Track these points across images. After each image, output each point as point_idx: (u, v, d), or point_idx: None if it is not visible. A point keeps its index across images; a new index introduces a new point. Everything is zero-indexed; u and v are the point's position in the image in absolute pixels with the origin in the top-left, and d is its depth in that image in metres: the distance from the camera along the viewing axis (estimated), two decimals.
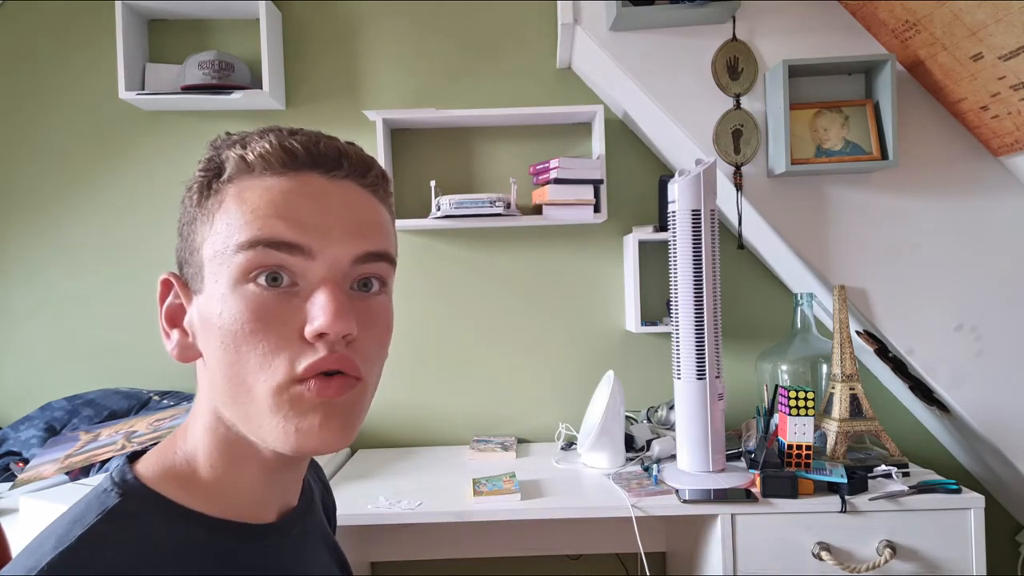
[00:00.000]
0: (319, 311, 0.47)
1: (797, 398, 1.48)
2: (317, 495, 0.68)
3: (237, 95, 1.81)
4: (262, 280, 0.48)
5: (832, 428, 1.59)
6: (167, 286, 0.54)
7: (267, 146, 0.50)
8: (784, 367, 1.73)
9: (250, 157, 0.50)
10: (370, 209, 0.53)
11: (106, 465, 1.47)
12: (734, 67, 1.66)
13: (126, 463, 0.53)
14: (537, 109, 1.86)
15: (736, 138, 1.66)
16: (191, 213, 0.52)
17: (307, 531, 0.61)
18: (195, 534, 0.50)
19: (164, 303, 0.53)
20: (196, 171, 0.52)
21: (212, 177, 0.51)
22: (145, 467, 0.53)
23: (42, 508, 1.23)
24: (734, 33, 1.66)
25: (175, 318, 0.53)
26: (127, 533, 0.47)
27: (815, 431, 1.54)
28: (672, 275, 1.53)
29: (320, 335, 0.48)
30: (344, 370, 0.49)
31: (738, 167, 1.67)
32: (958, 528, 1.39)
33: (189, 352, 0.53)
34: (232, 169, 0.50)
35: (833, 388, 1.62)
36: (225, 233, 0.49)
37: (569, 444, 1.89)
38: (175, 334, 0.53)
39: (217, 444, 0.52)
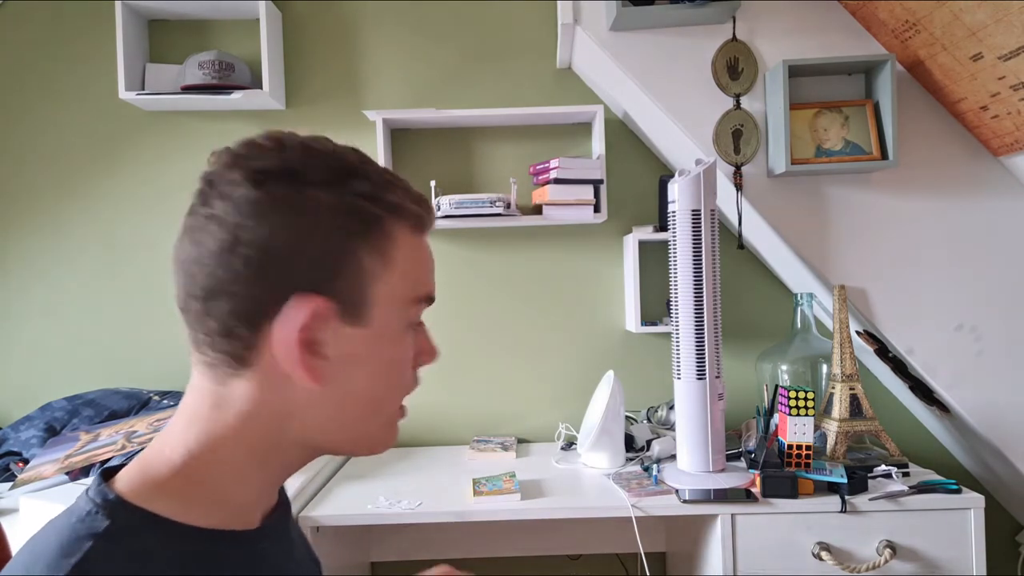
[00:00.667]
0: (432, 348, 0.61)
1: (797, 398, 1.48)
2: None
3: (237, 95, 1.81)
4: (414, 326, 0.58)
5: (832, 428, 1.59)
6: (320, 311, 0.50)
7: (424, 211, 0.56)
8: (784, 367, 1.73)
9: (419, 216, 0.56)
10: None
11: (106, 465, 1.47)
12: (734, 67, 1.66)
13: (100, 482, 0.51)
14: (537, 109, 1.86)
15: (736, 138, 1.66)
16: (349, 241, 0.51)
17: (290, 531, 0.62)
18: (191, 548, 0.50)
19: (305, 327, 0.50)
20: (363, 201, 0.51)
21: (380, 215, 0.52)
22: (125, 484, 0.51)
23: (42, 508, 1.23)
24: (734, 33, 1.66)
25: (313, 343, 0.51)
26: (123, 555, 0.47)
27: (815, 431, 1.54)
28: (672, 275, 1.53)
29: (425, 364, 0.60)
30: None
31: (738, 167, 1.67)
32: (958, 528, 1.39)
33: (322, 377, 0.51)
34: (406, 219, 0.54)
35: (833, 388, 1.62)
36: (404, 283, 0.54)
37: (569, 444, 1.89)
38: (311, 359, 0.51)
39: (257, 453, 0.54)
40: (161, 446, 0.53)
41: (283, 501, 0.63)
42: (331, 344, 0.51)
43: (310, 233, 0.50)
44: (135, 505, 0.49)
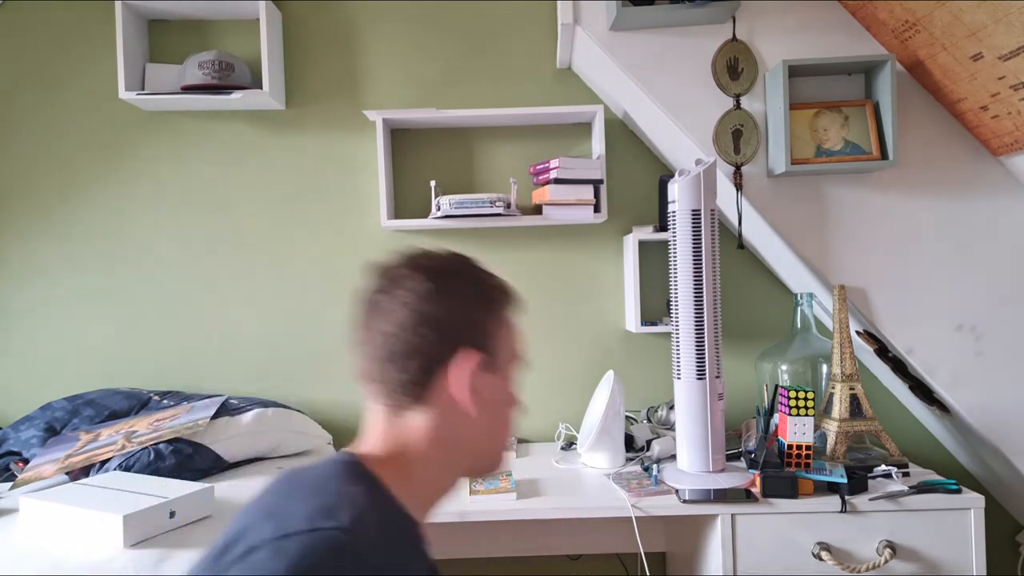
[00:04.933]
0: (520, 399, 0.87)
1: (797, 398, 1.48)
2: None
3: (237, 95, 1.81)
4: None
5: (832, 428, 1.59)
6: (480, 361, 0.73)
7: (517, 298, 0.81)
8: (784, 367, 1.73)
9: (516, 300, 0.80)
10: None
11: (106, 465, 1.47)
12: (734, 67, 1.66)
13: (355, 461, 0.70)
14: (537, 109, 1.86)
15: (736, 138, 1.66)
16: (494, 317, 0.76)
17: None
18: (408, 526, 0.68)
19: (471, 371, 0.72)
20: (494, 289, 0.78)
21: (501, 296, 0.78)
22: (372, 462, 0.71)
23: (42, 508, 1.23)
24: (734, 33, 1.66)
25: (473, 384, 0.72)
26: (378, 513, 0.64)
27: (815, 431, 1.54)
28: (672, 275, 1.53)
29: None
30: None
31: (738, 167, 1.67)
32: (958, 528, 1.39)
33: (479, 409, 0.73)
34: (512, 301, 0.80)
35: (833, 388, 1.62)
36: (513, 345, 0.78)
37: (569, 444, 1.89)
38: (473, 396, 0.72)
39: (446, 472, 0.75)
40: (369, 448, 0.73)
41: None
42: (482, 386, 0.74)
43: (468, 309, 0.74)
44: (373, 472, 0.69)
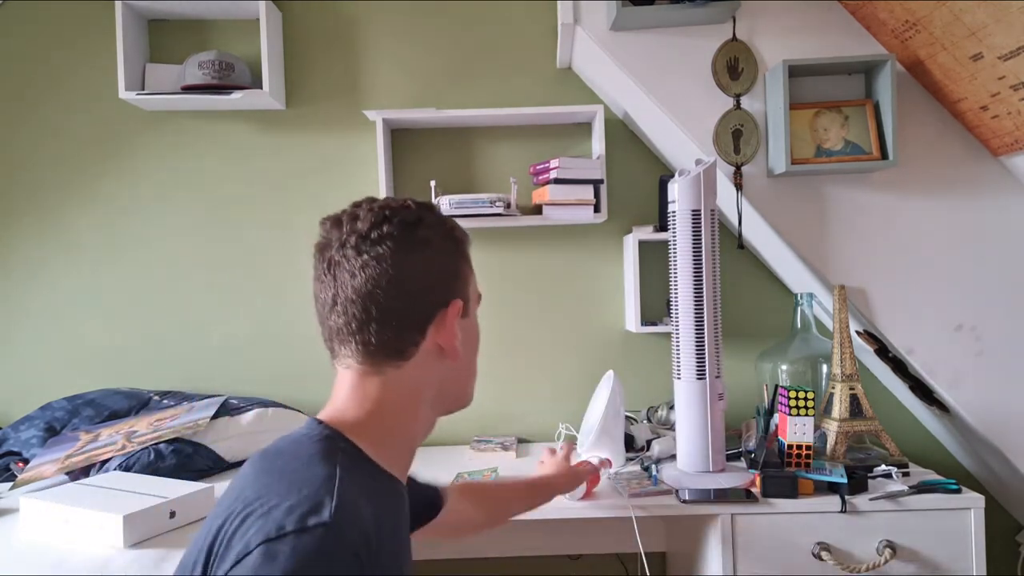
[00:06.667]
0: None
1: (797, 398, 1.48)
2: None
3: (237, 95, 1.81)
4: None
5: (832, 428, 1.59)
6: (461, 310, 0.78)
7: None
8: (784, 367, 1.73)
9: (469, 239, 0.83)
10: None
11: (106, 465, 1.47)
12: (734, 67, 1.66)
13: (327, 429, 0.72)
14: (537, 109, 1.86)
15: (736, 138, 1.66)
16: (456, 261, 0.79)
17: None
18: (380, 483, 0.71)
19: (456, 319, 0.77)
20: (457, 235, 0.80)
21: (466, 244, 0.82)
22: (348, 428, 0.72)
23: (42, 508, 1.23)
24: (734, 33, 1.66)
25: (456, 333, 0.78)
26: (355, 476, 0.67)
27: (815, 431, 1.54)
28: (672, 275, 1.53)
29: None
30: None
31: (738, 167, 1.67)
32: (958, 528, 1.39)
33: (459, 355, 0.78)
34: (468, 241, 0.83)
35: (833, 388, 1.62)
36: (474, 286, 0.83)
37: None
38: (457, 344, 0.77)
39: (425, 419, 0.79)
40: (343, 414, 0.73)
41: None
42: (462, 330, 0.78)
43: (445, 260, 0.78)
44: (350, 439, 0.71)
